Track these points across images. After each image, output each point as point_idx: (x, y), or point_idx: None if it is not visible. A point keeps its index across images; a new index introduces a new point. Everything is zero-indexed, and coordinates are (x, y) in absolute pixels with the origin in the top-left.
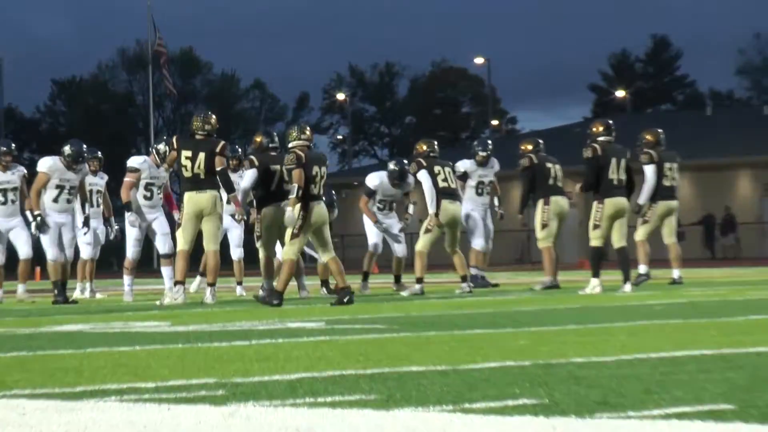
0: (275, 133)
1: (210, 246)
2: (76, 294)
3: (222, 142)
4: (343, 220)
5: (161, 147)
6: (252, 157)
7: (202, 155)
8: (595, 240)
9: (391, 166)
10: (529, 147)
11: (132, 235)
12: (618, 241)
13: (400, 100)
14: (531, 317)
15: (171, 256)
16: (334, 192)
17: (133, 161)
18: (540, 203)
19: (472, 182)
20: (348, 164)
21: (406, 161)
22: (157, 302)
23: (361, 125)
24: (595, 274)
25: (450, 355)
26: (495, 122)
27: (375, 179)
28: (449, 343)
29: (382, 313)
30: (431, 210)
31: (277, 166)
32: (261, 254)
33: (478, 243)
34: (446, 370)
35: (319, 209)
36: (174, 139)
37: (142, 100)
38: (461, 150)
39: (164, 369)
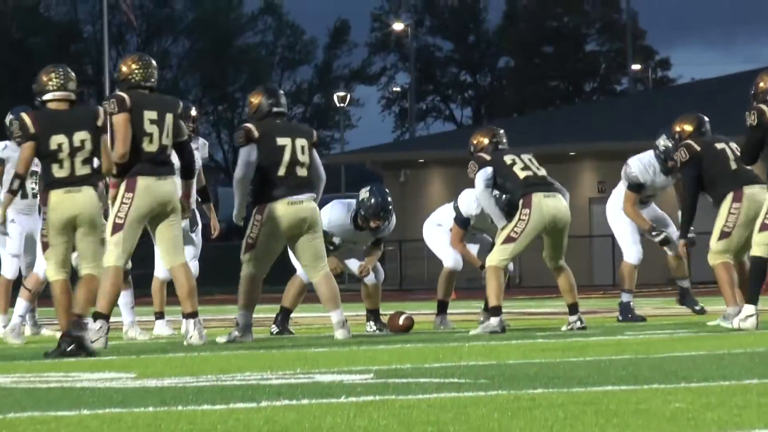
0: (281, 92)
1: (178, 258)
2: None
3: (180, 102)
4: (402, 220)
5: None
6: (249, 126)
7: (169, 119)
8: (756, 248)
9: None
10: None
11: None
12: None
13: (491, 32)
14: (689, 366)
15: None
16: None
17: None
18: (728, 200)
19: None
20: (409, 130)
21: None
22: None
23: (430, 71)
24: (752, 299)
25: (570, 427)
26: (636, 66)
27: (469, 204)
28: (566, 408)
29: (461, 359)
30: (500, 224)
31: (287, 140)
32: (244, 271)
33: (632, 254)
34: None
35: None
36: (123, 95)
37: (92, 32)
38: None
39: None
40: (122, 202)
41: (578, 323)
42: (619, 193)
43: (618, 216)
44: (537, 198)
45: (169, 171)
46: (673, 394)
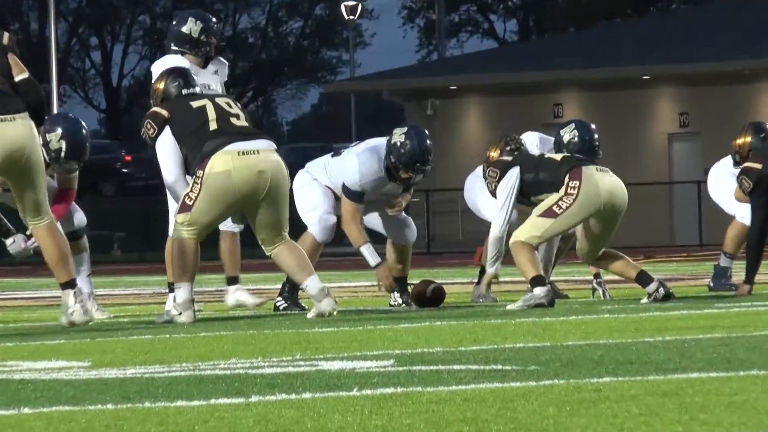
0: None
1: (41, 218)
2: None
3: (5, 33)
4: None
5: None
6: (156, 110)
7: None
8: None
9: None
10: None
11: None
12: None
13: None
14: None
15: None
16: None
17: None
18: None
19: None
20: (438, 49)
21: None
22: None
23: None
24: None
25: (646, 425)
26: None
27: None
28: (640, 401)
29: (505, 340)
30: (499, 220)
31: (204, 101)
32: (175, 235)
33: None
34: None
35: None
36: None
37: None
38: (661, 26)
39: None
40: None
41: (661, 290)
42: (724, 173)
43: (722, 186)
44: (589, 170)
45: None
46: None
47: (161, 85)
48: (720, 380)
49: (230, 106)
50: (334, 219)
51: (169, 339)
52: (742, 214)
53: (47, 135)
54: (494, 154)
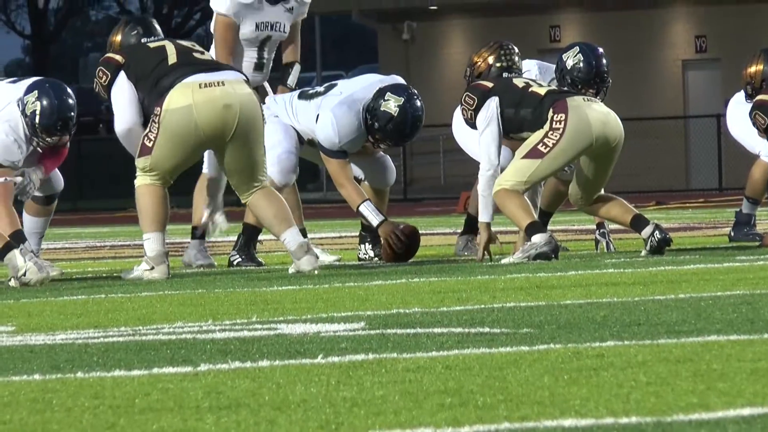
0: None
1: None
2: None
3: None
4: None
5: None
6: (109, 55)
7: None
8: None
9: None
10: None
11: None
12: None
13: None
14: None
15: None
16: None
17: None
18: None
19: None
20: None
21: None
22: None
23: None
24: None
25: (656, 396)
26: None
27: None
28: (649, 368)
29: (494, 300)
30: (490, 158)
31: (163, 42)
32: (138, 182)
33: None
34: (647, 425)
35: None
36: None
37: None
38: None
39: None
40: None
41: (657, 234)
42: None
43: (744, 121)
44: (575, 101)
45: None
46: None
47: (118, 37)
48: (741, 344)
49: (195, 45)
50: (294, 159)
51: (105, 300)
52: (766, 150)
53: (24, 97)
54: (480, 61)
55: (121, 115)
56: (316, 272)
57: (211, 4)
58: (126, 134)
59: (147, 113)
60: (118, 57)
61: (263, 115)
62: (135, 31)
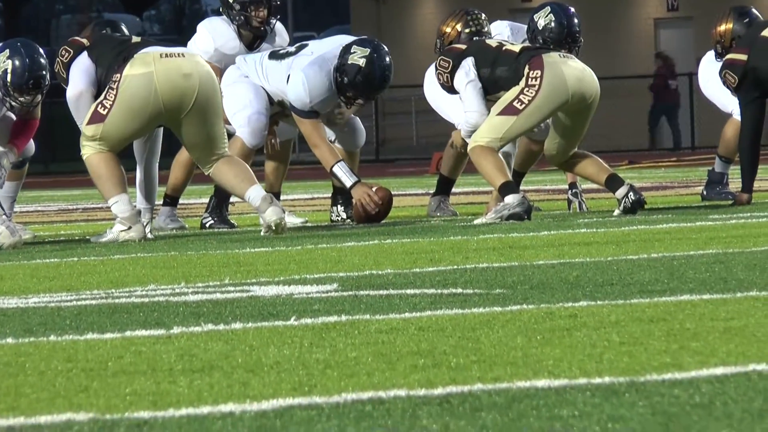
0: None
1: None
2: None
3: None
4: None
5: None
6: (75, 38)
7: None
8: None
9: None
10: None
11: None
12: None
13: None
14: None
15: None
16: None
17: None
18: None
19: None
20: None
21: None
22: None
23: None
24: None
25: (629, 356)
26: None
27: None
28: (622, 328)
29: (466, 260)
30: (474, 111)
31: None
32: (87, 152)
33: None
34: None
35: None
36: None
37: None
38: None
39: None
40: None
41: (631, 195)
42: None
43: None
44: (551, 57)
45: None
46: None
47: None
48: (714, 303)
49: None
50: (264, 120)
51: (78, 263)
52: (737, 109)
53: None
54: (449, 30)
55: (74, 81)
56: (283, 223)
57: (194, 50)
58: (76, 98)
59: (102, 87)
60: (83, 40)
61: (221, 90)
62: (104, 31)
